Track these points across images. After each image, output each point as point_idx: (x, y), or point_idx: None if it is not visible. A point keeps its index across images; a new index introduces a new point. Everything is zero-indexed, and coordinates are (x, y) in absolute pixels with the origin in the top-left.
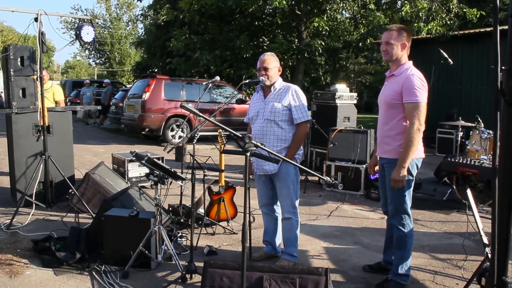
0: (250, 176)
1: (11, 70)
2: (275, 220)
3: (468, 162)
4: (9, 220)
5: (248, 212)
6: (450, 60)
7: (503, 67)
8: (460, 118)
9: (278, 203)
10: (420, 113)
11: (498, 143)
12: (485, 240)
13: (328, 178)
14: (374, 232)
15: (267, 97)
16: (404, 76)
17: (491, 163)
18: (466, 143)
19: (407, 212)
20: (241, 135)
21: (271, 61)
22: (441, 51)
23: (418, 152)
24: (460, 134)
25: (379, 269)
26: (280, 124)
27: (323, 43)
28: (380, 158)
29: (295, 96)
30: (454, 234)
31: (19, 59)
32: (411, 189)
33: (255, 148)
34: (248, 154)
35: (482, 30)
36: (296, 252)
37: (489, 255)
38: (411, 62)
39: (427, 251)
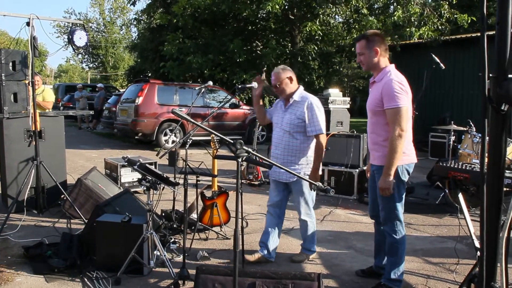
0: (242, 181)
1: (3, 74)
2: (277, 224)
3: (459, 167)
4: (0, 226)
5: (240, 218)
6: (442, 64)
7: (490, 75)
8: (452, 122)
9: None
10: (401, 118)
11: (486, 149)
12: (477, 244)
13: (320, 184)
14: (367, 237)
15: (286, 108)
16: (384, 82)
17: None
18: (458, 147)
19: (399, 219)
20: (232, 141)
21: (280, 76)
22: (433, 55)
23: (408, 158)
24: (452, 138)
25: (371, 273)
26: (295, 135)
27: (316, 48)
28: (371, 165)
29: (309, 109)
30: (446, 238)
31: (10, 64)
32: (403, 195)
33: (246, 153)
34: (240, 159)
35: (473, 35)
36: (314, 246)
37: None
38: (392, 65)
39: (420, 255)
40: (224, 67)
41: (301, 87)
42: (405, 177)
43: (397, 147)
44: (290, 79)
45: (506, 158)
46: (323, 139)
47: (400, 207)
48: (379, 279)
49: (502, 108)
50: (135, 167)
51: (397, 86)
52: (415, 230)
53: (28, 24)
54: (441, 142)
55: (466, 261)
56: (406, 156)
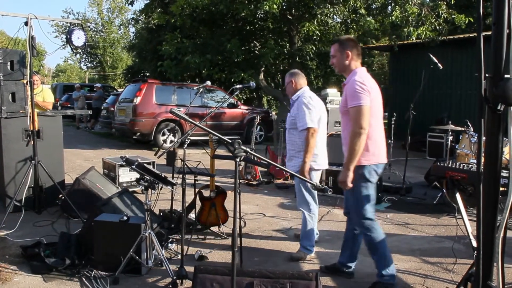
0: (240, 181)
1: (1, 74)
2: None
3: (457, 167)
4: None
5: (238, 217)
6: (439, 65)
7: (487, 75)
8: (450, 122)
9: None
10: (360, 116)
11: (483, 149)
12: (474, 243)
13: (318, 184)
14: None
15: (290, 107)
16: (349, 83)
17: None
18: (456, 147)
19: (367, 217)
20: (230, 141)
21: (285, 79)
22: (431, 56)
23: (376, 158)
24: (450, 138)
25: (335, 270)
26: (291, 131)
27: (314, 48)
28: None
29: (298, 106)
30: (444, 238)
31: (9, 63)
32: (372, 194)
33: (244, 153)
34: (238, 159)
35: (471, 35)
36: (311, 247)
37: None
38: (362, 68)
39: (418, 255)
40: (222, 67)
41: (303, 88)
42: (373, 178)
43: (355, 145)
44: (292, 82)
45: (503, 158)
46: (311, 133)
47: (369, 206)
48: (343, 276)
49: (498, 108)
50: (133, 166)
51: (358, 86)
52: (413, 230)
53: (26, 23)
54: (439, 142)
55: (464, 260)
56: (374, 156)
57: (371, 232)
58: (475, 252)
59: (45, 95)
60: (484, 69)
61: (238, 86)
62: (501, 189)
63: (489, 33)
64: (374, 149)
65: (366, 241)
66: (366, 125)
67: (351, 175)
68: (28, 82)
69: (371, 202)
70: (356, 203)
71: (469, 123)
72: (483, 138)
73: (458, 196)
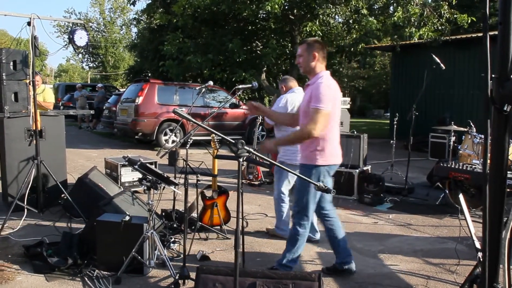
0: (243, 181)
1: (4, 74)
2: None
3: (460, 167)
4: (0, 226)
5: (241, 218)
6: (442, 65)
7: (493, 75)
8: (452, 122)
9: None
10: (318, 119)
11: (489, 149)
12: (478, 244)
13: (321, 184)
14: (367, 237)
15: None
16: (315, 84)
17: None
18: (459, 147)
19: (307, 214)
20: (234, 141)
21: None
22: (433, 56)
23: (330, 159)
24: (453, 138)
25: (336, 271)
26: (286, 129)
27: None
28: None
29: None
30: (447, 239)
31: (11, 63)
32: (317, 194)
33: (247, 153)
34: (241, 159)
35: (474, 35)
36: (284, 228)
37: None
38: (327, 72)
39: (420, 256)
40: (224, 67)
41: (291, 89)
42: (325, 178)
43: (298, 139)
44: (282, 87)
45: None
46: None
47: (312, 205)
48: (345, 277)
49: (505, 108)
50: (136, 166)
51: (324, 89)
52: (415, 231)
53: (29, 23)
54: (441, 143)
55: (467, 262)
56: (332, 157)
57: (303, 228)
58: (478, 253)
59: (46, 95)
60: (490, 69)
61: (240, 86)
62: (507, 190)
63: (494, 33)
64: (331, 150)
65: (292, 233)
66: (320, 130)
67: (272, 149)
68: (31, 82)
69: (315, 201)
70: (302, 199)
71: (472, 124)
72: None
73: (461, 197)
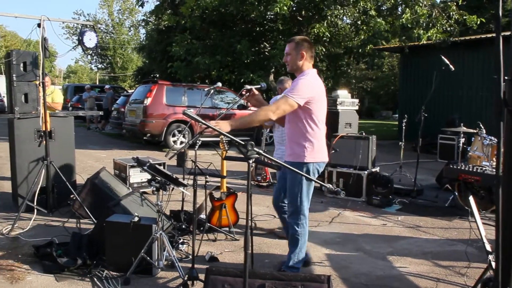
0: (252, 182)
1: (14, 75)
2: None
3: (470, 169)
4: (11, 226)
5: (250, 219)
6: (451, 66)
7: (505, 77)
8: (462, 124)
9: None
10: (282, 104)
11: (502, 151)
12: (488, 247)
13: (331, 186)
14: (376, 239)
15: None
16: (296, 79)
17: (493, 169)
18: (468, 149)
19: (303, 213)
20: (243, 142)
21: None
22: (443, 57)
23: (319, 156)
24: (462, 140)
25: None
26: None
27: (323, 49)
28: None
29: None
30: (456, 241)
31: (21, 65)
32: (311, 191)
33: (257, 155)
34: (251, 161)
35: (483, 36)
36: None
37: (492, 263)
38: (314, 70)
39: (430, 258)
40: (231, 68)
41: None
42: (314, 176)
43: (256, 117)
44: (279, 89)
45: None
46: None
47: (307, 203)
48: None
49: None
50: (145, 167)
51: (301, 84)
52: (424, 233)
53: (39, 25)
54: (450, 144)
55: (477, 264)
56: (319, 154)
57: (301, 227)
58: (489, 256)
59: (54, 96)
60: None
61: (248, 87)
62: None
63: (505, 33)
64: (319, 147)
65: (291, 234)
66: (278, 115)
67: (225, 129)
68: (41, 83)
69: (309, 198)
70: (295, 198)
71: (481, 125)
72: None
73: (471, 199)
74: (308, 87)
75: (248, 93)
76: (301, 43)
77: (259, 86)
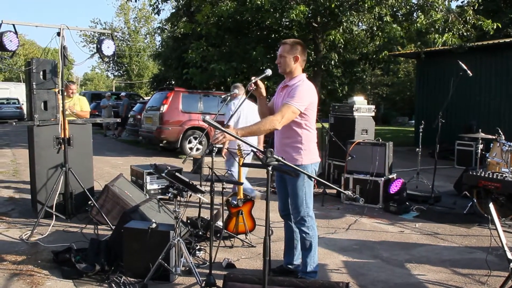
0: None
1: (34, 83)
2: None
3: (490, 176)
4: (30, 231)
5: (269, 226)
6: (469, 71)
7: None
8: (480, 130)
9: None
10: (287, 115)
11: None
12: (509, 255)
13: (349, 193)
14: (393, 246)
15: None
16: (295, 85)
17: None
18: (487, 155)
19: (310, 215)
20: (262, 150)
21: None
22: (460, 62)
23: (315, 157)
24: (481, 146)
25: (282, 272)
26: None
27: (337, 56)
28: None
29: None
30: (475, 249)
31: (41, 73)
32: (311, 192)
33: (276, 162)
34: (270, 168)
35: (501, 41)
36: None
37: None
38: (304, 74)
39: (448, 266)
40: (247, 75)
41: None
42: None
43: (261, 129)
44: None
45: None
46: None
47: (311, 204)
48: (292, 276)
49: None
50: (163, 174)
51: (302, 90)
52: (442, 240)
53: (58, 34)
54: (467, 151)
55: (497, 273)
56: (315, 155)
57: (311, 230)
58: (511, 264)
59: (82, 104)
60: None
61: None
62: None
63: None
64: (312, 149)
65: (302, 238)
66: (283, 123)
67: (228, 139)
68: (60, 91)
69: (312, 199)
70: (299, 201)
71: (500, 131)
72: None
73: (491, 206)
74: (308, 94)
75: (255, 87)
76: (295, 47)
77: (264, 74)
